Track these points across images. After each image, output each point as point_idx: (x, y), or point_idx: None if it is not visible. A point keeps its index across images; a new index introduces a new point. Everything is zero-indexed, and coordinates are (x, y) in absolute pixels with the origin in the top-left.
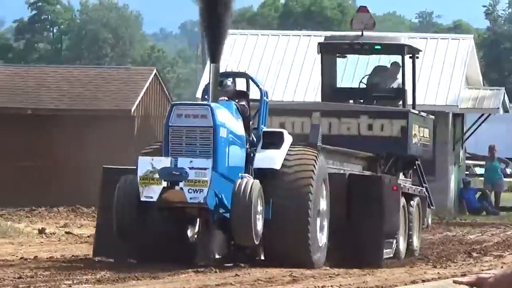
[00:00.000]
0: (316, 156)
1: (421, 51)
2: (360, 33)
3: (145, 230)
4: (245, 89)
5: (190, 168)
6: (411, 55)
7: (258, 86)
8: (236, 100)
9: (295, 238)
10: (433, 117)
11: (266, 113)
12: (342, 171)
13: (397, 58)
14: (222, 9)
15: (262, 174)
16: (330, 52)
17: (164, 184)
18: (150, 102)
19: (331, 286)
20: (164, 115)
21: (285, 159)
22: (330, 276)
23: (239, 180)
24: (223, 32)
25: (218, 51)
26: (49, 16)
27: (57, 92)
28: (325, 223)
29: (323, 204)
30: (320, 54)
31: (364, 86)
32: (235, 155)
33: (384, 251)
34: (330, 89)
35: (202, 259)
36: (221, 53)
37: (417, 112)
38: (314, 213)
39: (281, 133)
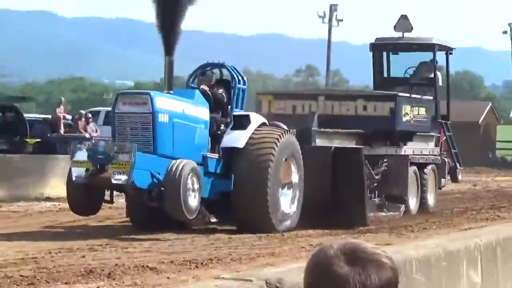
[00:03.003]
0: (280, 135)
1: (454, 49)
2: (401, 35)
3: (98, 205)
4: (238, 78)
5: (116, 152)
6: (445, 52)
7: (232, 74)
8: (216, 88)
9: (256, 206)
10: (431, 97)
11: (241, 98)
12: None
13: (430, 55)
14: (177, 8)
15: (229, 152)
16: (379, 50)
17: (91, 166)
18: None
19: None
20: None
21: (251, 138)
22: None
23: (172, 161)
24: (177, 28)
25: (172, 45)
26: None
27: None
28: (297, 194)
29: (294, 177)
30: (371, 52)
31: (408, 76)
32: (189, 137)
33: (391, 213)
34: (379, 78)
35: (199, 223)
36: (175, 47)
37: (407, 95)
38: (274, 184)
39: (248, 116)
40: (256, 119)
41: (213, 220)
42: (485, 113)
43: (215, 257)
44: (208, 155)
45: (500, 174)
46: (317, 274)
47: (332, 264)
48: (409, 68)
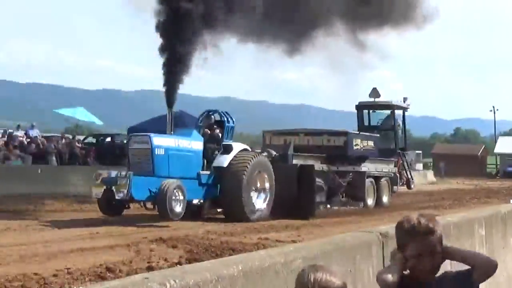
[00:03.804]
0: (252, 157)
1: (407, 108)
2: (373, 99)
3: (120, 209)
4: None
5: (119, 177)
6: (401, 110)
7: (224, 117)
8: (214, 127)
9: (234, 204)
10: (377, 135)
11: (229, 132)
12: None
13: (396, 111)
14: (179, 72)
15: (218, 169)
16: (361, 109)
17: (105, 187)
18: None
19: None
20: None
21: (232, 159)
22: None
23: (163, 181)
24: (177, 87)
25: (173, 100)
26: None
27: None
28: (268, 196)
29: (267, 185)
30: (356, 110)
31: (379, 124)
32: (184, 162)
33: (353, 207)
34: (362, 125)
35: (207, 213)
36: (175, 101)
37: (357, 132)
38: (247, 189)
39: (231, 145)
40: (238, 147)
41: (219, 210)
42: (481, 150)
43: (348, 220)
44: (201, 173)
45: (488, 181)
46: (407, 229)
47: (415, 224)
48: (380, 119)
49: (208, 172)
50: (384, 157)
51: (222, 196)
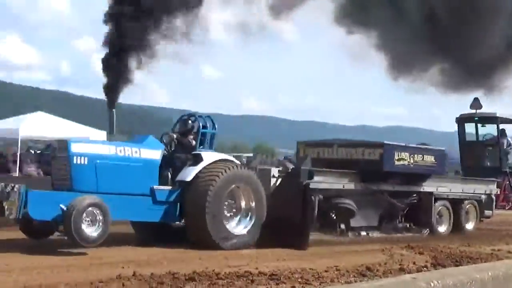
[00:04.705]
0: (225, 169)
1: None
2: (474, 111)
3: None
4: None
5: (9, 191)
6: (509, 123)
7: (199, 123)
8: (186, 134)
9: (197, 228)
10: (442, 149)
11: (206, 140)
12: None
13: (495, 125)
14: (121, 71)
15: (182, 184)
16: (462, 122)
17: None
18: None
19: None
20: None
21: (201, 171)
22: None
23: (75, 198)
24: (119, 88)
25: (114, 101)
26: None
27: None
28: (254, 218)
29: (252, 204)
30: (457, 123)
31: (484, 140)
32: (126, 174)
33: (411, 234)
34: (463, 140)
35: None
36: (116, 102)
37: (402, 144)
38: (217, 209)
39: (200, 155)
40: (211, 157)
41: None
42: None
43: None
44: (156, 188)
45: None
46: None
47: None
48: (486, 134)
49: (168, 188)
50: (488, 176)
51: (184, 217)
